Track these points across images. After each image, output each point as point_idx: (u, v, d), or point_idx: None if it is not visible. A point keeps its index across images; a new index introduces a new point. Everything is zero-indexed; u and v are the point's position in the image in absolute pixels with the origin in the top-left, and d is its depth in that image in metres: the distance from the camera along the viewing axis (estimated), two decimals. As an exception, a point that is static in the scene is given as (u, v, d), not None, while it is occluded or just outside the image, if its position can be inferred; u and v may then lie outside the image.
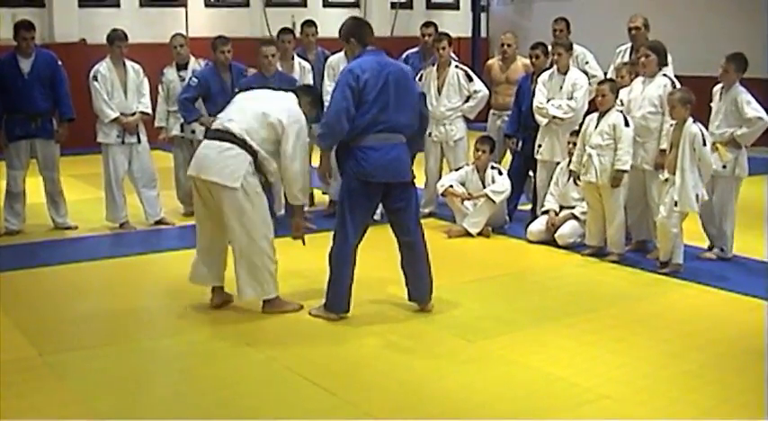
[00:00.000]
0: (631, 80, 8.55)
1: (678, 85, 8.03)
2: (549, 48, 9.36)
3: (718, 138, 7.97)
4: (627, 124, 7.98)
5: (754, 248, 8.35)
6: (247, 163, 6.37)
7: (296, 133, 6.43)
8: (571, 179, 8.61)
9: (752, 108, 7.89)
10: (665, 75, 8.24)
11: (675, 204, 7.52)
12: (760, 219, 9.10)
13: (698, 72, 11.12)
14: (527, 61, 9.77)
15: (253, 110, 6.51)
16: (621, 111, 8.10)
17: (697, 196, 7.53)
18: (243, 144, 6.38)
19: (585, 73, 9.52)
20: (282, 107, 6.51)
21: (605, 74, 9.50)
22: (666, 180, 7.67)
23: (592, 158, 8.06)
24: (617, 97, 8.16)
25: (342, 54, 9.66)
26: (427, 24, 10.39)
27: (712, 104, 8.22)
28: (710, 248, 8.30)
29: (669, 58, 8.41)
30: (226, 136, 6.43)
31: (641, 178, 8.29)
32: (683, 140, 7.50)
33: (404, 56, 10.08)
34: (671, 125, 7.77)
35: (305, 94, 6.83)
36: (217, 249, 6.73)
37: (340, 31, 6.64)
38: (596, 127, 8.09)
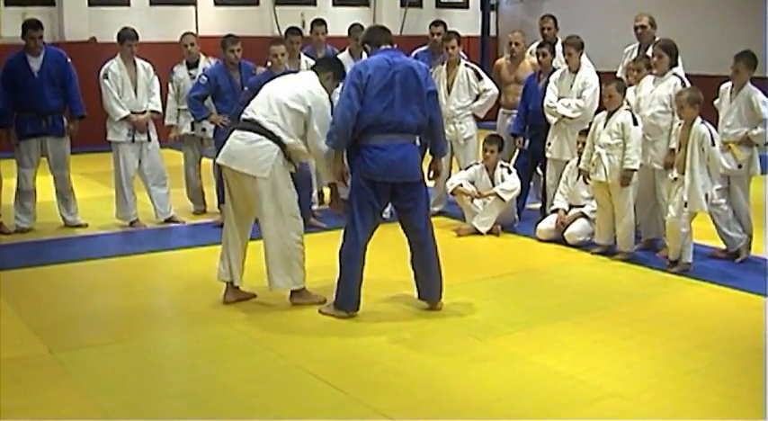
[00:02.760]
0: (636, 78, 8.53)
1: (688, 85, 8.03)
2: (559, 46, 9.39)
3: (732, 138, 7.95)
4: (635, 123, 7.96)
5: (762, 247, 8.31)
6: (275, 153, 6.49)
7: (320, 113, 6.55)
8: (580, 178, 8.60)
9: None
10: (675, 74, 8.23)
11: (685, 204, 7.51)
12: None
13: (704, 71, 11.10)
14: (536, 60, 9.77)
15: (276, 100, 6.60)
16: (630, 110, 8.09)
17: (706, 196, 7.52)
18: (271, 135, 6.50)
19: None
20: (303, 91, 6.58)
21: (614, 73, 9.48)
22: (675, 179, 7.67)
23: (601, 157, 8.05)
24: (624, 96, 8.16)
25: (346, 53, 9.72)
26: (437, 23, 10.40)
27: (716, 103, 8.20)
28: (734, 253, 8.17)
29: (679, 58, 8.40)
30: (255, 127, 6.56)
31: (651, 177, 8.29)
32: (691, 140, 7.48)
33: (413, 54, 10.06)
34: (680, 124, 7.76)
35: (324, 69, 6.87)
36: (238, 244, 6.82)
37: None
38: (605, 126, 8.08)
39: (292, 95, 6.56)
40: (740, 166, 7.96)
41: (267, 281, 6.71)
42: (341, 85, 6.61)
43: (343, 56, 9.86)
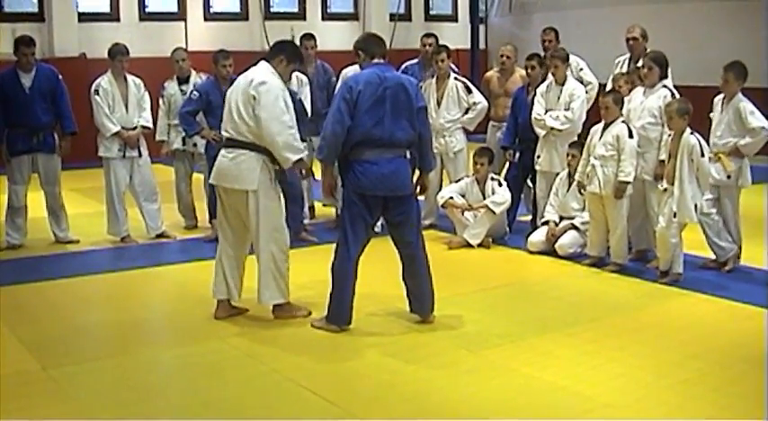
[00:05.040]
0: (629, 90, 8.58)
1: (678, 96, 8.06)
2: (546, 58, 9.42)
3: (721, 149, 7.98)
4: (631, 135, 7.98)
5: (753, 257, 8.35)
6: (258, 163, 6.50)
7: (265, 94, 6.44)
8: (571, 190, 8.63)
9: (755, 118, 7.89)
10: (665, 86, 8.26)
11: (674, 215, 7.54)
12: (760, 228, 9.08)
13: (696, 82, 11.14)
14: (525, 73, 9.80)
15: (235, 108, 6.54)
16: (626, 123, 8.10)
17: (696, 207, 7.55)
18: (251, 146, 6.51)
19: (581, 80, 9.57)
20: (250, 88, 6.49)
21: (604, 85, 9.52)
22: (665, 190, 7.69)
23: (595, 169, 8.07)
24: (621, 108, 8.18)
25: (357, 66, 9.67)
26: (428, 35, 10.45)
27: (712, 115, 8.23)
28: (723, 262, 8.20)
29: (669, 70, 8.44)
30: (232, 143, 6.59)
31: (641, 188, 8.30)
32: (681, 151, 7.52)
33: (403, 67, 10.10)
34: (669, 135, 7.79)
35: (274, 54, 6.75)
36: (233, 262, 6.81)
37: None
38: (600, 137, 8.11)
39: (243, 98, 6.52)
40: (729, 177, 7.99)
41: (258, 294, 6.72)
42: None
43: (353, 69, 9.70)
